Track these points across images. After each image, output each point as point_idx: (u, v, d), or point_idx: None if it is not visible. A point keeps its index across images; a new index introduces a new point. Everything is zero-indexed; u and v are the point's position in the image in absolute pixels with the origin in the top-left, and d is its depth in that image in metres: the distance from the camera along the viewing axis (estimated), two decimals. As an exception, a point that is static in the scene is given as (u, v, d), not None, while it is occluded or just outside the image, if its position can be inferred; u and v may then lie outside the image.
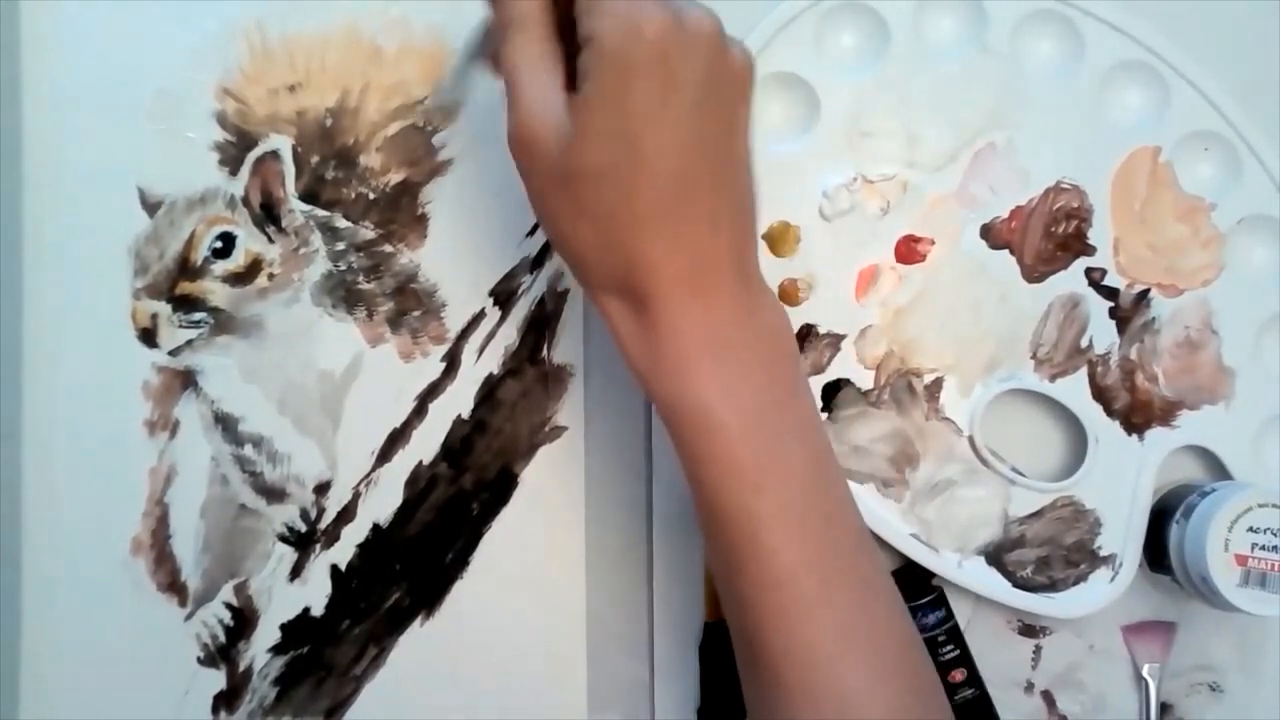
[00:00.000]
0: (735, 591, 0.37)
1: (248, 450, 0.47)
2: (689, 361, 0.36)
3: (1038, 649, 0.50)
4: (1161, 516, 0.49)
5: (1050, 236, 0.50)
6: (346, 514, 0.47)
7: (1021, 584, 0.49)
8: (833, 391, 0.48)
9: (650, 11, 0.34)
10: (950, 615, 0.49)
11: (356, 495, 0.47)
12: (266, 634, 0.47)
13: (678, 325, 0.36)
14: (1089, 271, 0.50)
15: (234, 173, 0.47)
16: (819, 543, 0.37)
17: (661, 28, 0.34)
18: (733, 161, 0.37)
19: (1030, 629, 0.50)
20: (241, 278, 0.47)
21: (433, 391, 0.48)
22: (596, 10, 0.34)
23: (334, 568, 0.47)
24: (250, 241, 0.47)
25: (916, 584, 0.49)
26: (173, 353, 0.46)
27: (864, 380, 0.49)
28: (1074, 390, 0.50)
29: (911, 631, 0.39)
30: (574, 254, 0.37)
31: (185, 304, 0.46)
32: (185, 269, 0.46)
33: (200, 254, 0.46)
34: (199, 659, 0.46)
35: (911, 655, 0.38)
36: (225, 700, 0.46)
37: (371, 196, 0.48)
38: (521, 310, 0.49)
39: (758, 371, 0.37)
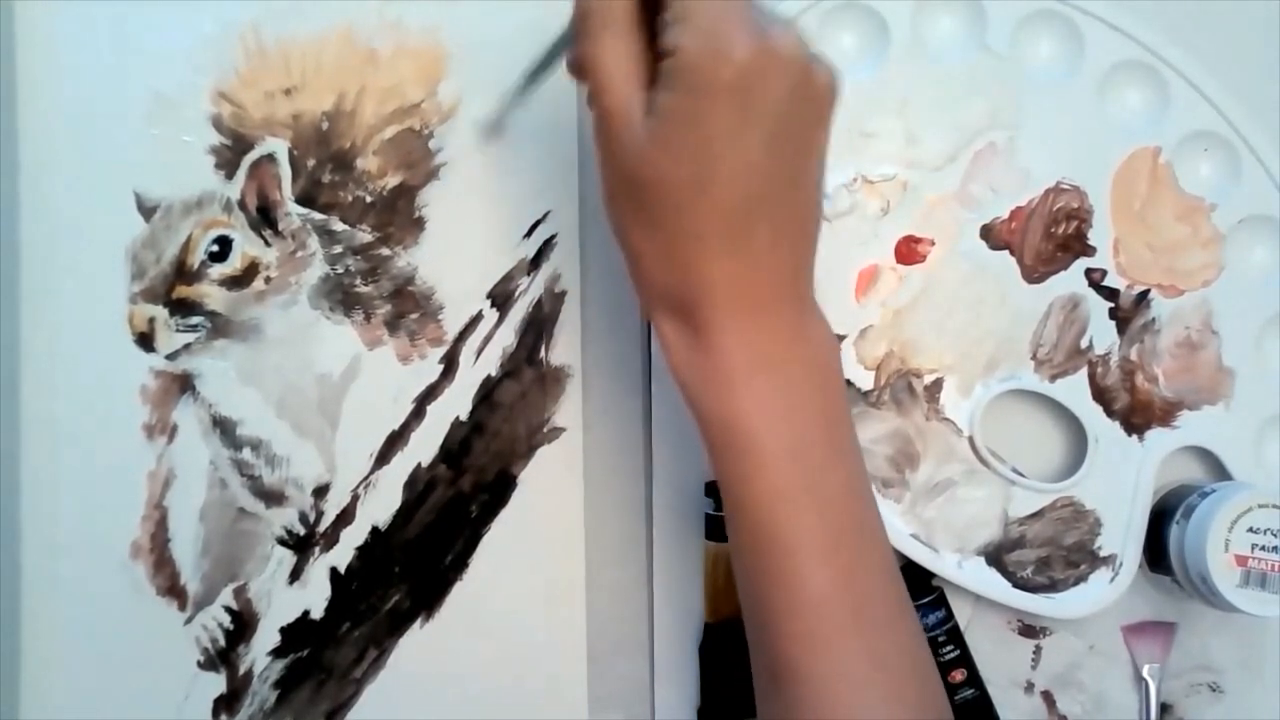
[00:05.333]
0: (763, 613, 0.37)
1: (246, 453, 0.47)
2: (737, 381, 0.36)
3: (1038, 649, 0.51)
4: (1161, 517, 0.49)
5: (1050, 237, 0.50)
6: (345, 516, 0.47)
7: (1021, 584, 0.49)
8: (832, 393, 0.48)
9: (738, 32, 0.33)
10: (950, 615, 0.49)
11: (355, 498, 0.47)
12: (266, 637, 0.47)
13: (729, 344, 0.36)
14: (1089, 272, 0.50)
15: (230, 176, 0.47)
16: (851, 571, 0.36)
17: (748, 51, 0.33)
18: (802, 183, 0.36)
19: (1030, 629, 0.50)
20: (238, 281, 0.47)
21: (431, 393, 0.48)
22: (685, 22, 0.33)
23: (333, 570, 0.47)
24: (247, 245, 0.47)
25: (916, 584, 0.49)
26: (170, 356, 0.46)
27: (864, 381, 0.49)
28: (1074, 390, 0.50)
29: (931, 663, 0.39)
30: (634, 258, 0.37)
31: (182, 308, 0.46)
32: (182, 273, 0.46)
33: (197, 257, 0.46)
34: (199, 663, 0.46)
35: (930, 687, 0.38)
36: (225, 704, 0.46)
37: (368, 200, 0.47)
38: (519, 312, 0.48)
39: (805, 395, 0.37)
